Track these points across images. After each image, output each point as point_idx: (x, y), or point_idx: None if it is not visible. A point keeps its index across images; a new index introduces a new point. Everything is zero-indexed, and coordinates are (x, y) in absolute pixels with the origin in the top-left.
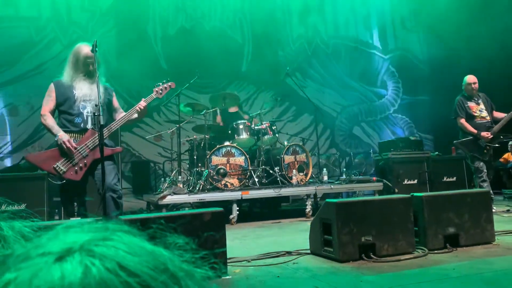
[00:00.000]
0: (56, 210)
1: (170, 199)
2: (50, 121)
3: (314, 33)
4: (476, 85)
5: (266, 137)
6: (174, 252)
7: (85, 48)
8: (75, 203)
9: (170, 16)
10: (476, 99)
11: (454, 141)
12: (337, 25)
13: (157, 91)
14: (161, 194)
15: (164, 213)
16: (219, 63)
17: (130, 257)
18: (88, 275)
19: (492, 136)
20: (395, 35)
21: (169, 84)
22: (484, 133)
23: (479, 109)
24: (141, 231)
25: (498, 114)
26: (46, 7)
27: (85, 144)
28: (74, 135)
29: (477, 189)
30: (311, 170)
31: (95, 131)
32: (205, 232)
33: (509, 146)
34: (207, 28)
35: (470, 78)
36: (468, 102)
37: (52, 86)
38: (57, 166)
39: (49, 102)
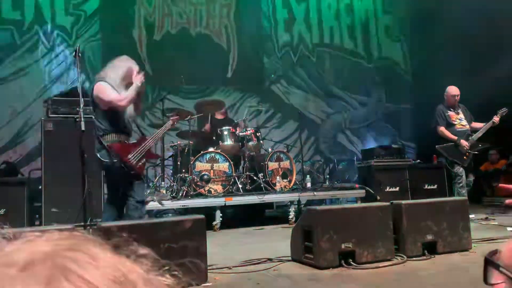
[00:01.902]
0: (37, 216)
1: (152, 205)
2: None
3: (299, 41)
4: (458, 97)
5: (250, 143)
6: (139, 261)
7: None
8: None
9: (155, 21)
10: (456, 109)
11: (436, 146)
12: (322, 34)
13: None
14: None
15: (143, 220)
16: (204, 69)
17: (92, 269)
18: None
19: (470, 145)
20: (379, 44)
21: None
22: (463, 141)
23: (458, 118)
24: (106, 240)
25: (476, 124)
26: (30, 10)
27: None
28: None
29: (456, 198)
30: (294, 176)
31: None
32: (185, 239)
33: (489, 155)
34: (193, 34)
35: (453, 90)
36: (449, 111)
37: (106, 84)
38: (130, 157)
39: (112, 91)
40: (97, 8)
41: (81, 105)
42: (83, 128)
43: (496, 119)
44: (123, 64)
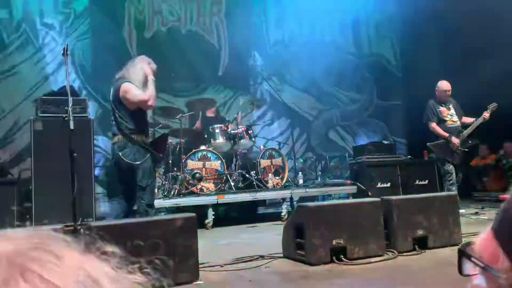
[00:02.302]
0: (27, 216)
1: None
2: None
3: (290, 37)
4: (450, 92)
5: (242, 141)
6: (106, 259)
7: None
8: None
9: (146, 19)
10: (447, 104)
11: (427, 143)
12: (313, 30)
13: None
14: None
15: (135, 219)
16: (195, 67)
17: (54, 268)
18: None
19: (461, 142)
20: (369, 41)
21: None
22: (454, 139)
23: (449, 113)
24: (75, 238)
25: (467, 119)
26: (18, 8)
27: None
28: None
29: (445, 193)
30: (287, 174)
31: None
32: (177, 237)
33: (479, 151)
34: (183, 32)
35: (444, 85)
36: (440, 107)
37: (132, 85)
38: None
39: (137, 90)
40: (86, 6)
41: (70, 104)
42: (72, 127)
43: (486, 115)
44: (143, 65)
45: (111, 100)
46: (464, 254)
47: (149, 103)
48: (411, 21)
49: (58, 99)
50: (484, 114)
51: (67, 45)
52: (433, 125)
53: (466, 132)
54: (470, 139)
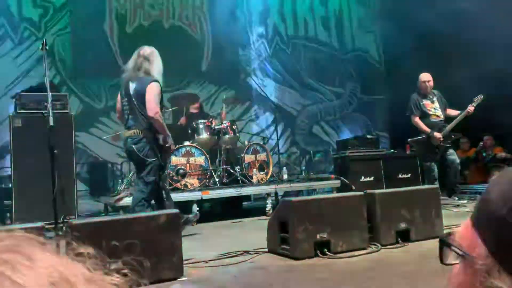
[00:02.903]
0: (8, 214)
1: (127, 201)
2: (163, 122)
3: (274, 33)
4: (431, 83)
5: (226, 136)
6: (82, 261)
7: None
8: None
9: (127, 13)
10: (431, 97)
11: (409, 139)
12: (297, 26)
13: None
14: (118, 196)
15: (117, 216)
16: (178, 62)
17: (26, 270)
18: None
19: (443, 136)
20: (352, 36)
21: None
22: (436, 134)
23: (433, 107)
24: (49, 240)
25: (450, 112)
26: None
27: None
28: None
29: (427, 186)
30: (271, 169)
31: None
32: (160, 234)
33: (460, 144)
34: (166, 26)
35: (424, 76)
36: (424, 100)
37: (160, 87)
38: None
39: (159, 102)
40: (66, 0)
41: (50, 100)
42: (52, 124)
43: (470, 108)
44: (159, 60)
45: (132, 93)
46: (445, 243)
47: (155, 116)
48: (394, 16)
49: (37, 95)
50: (468, 107)
51: (45, 39)
52: (416, 119)
53: (450, 126)
54: (454, 133)
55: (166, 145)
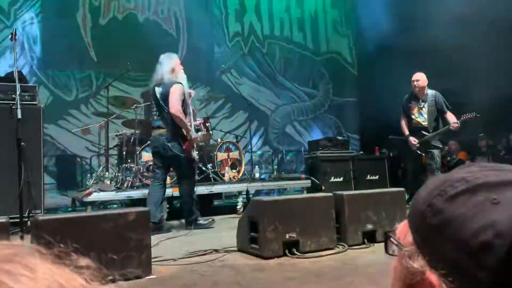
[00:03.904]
0: None
1: (96, 196)
2: (184, 119)
3: (250, 32)
4: (419, 83)
5: (199, 133)
6: (80, 272)
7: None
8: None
9: (101, 5)
10: (421, 99)
11: (389, 136)
12: (272, 26)
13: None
14: (87, 191)
15: (85, 212)
16: (152, 57)
17: (27, 281)
18: None
19: (420, 143)
20: (327, 38)
21: None
22: (411, 139)
23: (419, 112)
24: (48, 250)
25: (449, 116)
26: None
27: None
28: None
29: (394, 189)
30: (243, 167)
31: None
32: (129, 232)
33: (447, 147)
34: (141, 20)
35: (413, 76)
36: (412, 102)
37: (182, 88)
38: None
39: (180, 102)
40: None
41: (18, 92)
42: (19, 116)
43: (454, 125)
44: (169, 60)
45: (159, 97)
46: (387, 236)
47: (177, 114)
48: (368, 20)
49: (5, 86)
50: (452, 124)
51: (15, 29)
52: (401, 121)
53: (430, 135)
54: (435, 143)
55: (190, 138)
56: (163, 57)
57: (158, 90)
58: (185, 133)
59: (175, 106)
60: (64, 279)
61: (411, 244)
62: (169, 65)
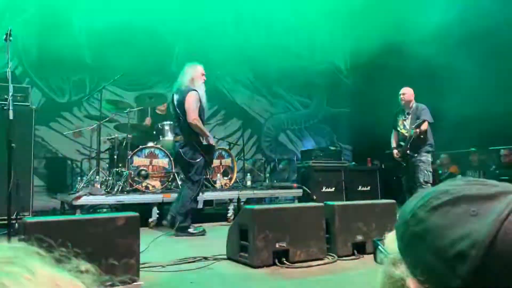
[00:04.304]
0: None
1: (85, 199)
2: (202, 125)
3: (246, 39)
4: (405, 96)
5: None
6: (80, 276)
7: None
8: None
9: (98, 8)
10: (407, 112)
11: (387, 151)
12: (269, 34)
13: None
14: (76, 194)
15: (74, 215)
16: (147, 61)
17: (27, 284)
18: None
19: (401, 154)
20: (323, 49)
21: None
22: (394, 151)
23: (403, 124)
24: (48, 252)
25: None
26: None
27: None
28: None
29: (385, 201)
30: (235, 174)
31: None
32: (118, 237)
33: (440, 159)
34: (137, 23)
35: (401, 89)
36: (399, 115)
37: (197, 95)
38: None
39: (197, 109)
40: None
41: (10, 93)
42: (11, 117)
43: (415, 131)
44: (192, 70)
45: (176, 104)
46: (376, 244)
47: (194, 121)
48: (364, 32)
49: None
50: (414, 130)
51: (10, 29)
52: (392, 134)
53: (404, 147)
54: (411, 152)
55: (209, 144)
56: (187, 67)
57: (175, 97)
58: (202, 139)
59: (191, 115)
60: (63, 283)
61: (395, 251)
62: (190, 74)
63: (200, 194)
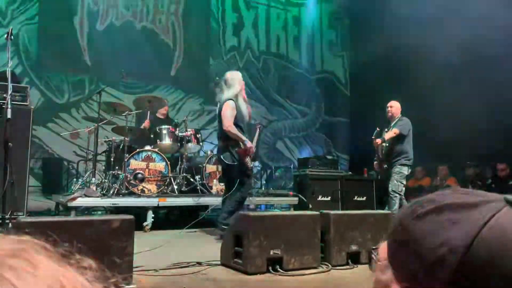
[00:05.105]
0: None
1: (80, 201)
2: (236, 131)
3: (246, 46)
4: (392, 109)
5: (189, 144)
6: (83, 272)
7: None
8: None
9: (100, 11)
10: (391, 125)
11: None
12: (269, 42)
13: None
14: (72, 196)
15: (68, 217)
16: (147, 65)
17: (29, 277)
18: None
19: (376, 167)
20: (322, 58)
21: None
22: (374, 163)
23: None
24: (54, 248)
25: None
26: None
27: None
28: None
29: (381, 211)
30: None
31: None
32: (112, 239)
33: (415, 172)
34: (138, 28)
35: (389, 102)
36: (387, 128)
37: (233, 104)
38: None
39: (232, 117)
40: None
41: (9, 92)
42: (9, 116)
43: (377, 141)
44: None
45: (217, 113)
46: (370, 252)
47: (228, 129)
48: (362, 42)
49: None
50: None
51: (11, 29)
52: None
53: (382, 156)
54: (387, 163)
55: (246, 149)
56: (228, 76)
57: (218, 106)
58: (242, 146)
59: (226, 123)
60: (66, 278)
61: (385, 259)
62: (228, 82)
63: (196, 199)
